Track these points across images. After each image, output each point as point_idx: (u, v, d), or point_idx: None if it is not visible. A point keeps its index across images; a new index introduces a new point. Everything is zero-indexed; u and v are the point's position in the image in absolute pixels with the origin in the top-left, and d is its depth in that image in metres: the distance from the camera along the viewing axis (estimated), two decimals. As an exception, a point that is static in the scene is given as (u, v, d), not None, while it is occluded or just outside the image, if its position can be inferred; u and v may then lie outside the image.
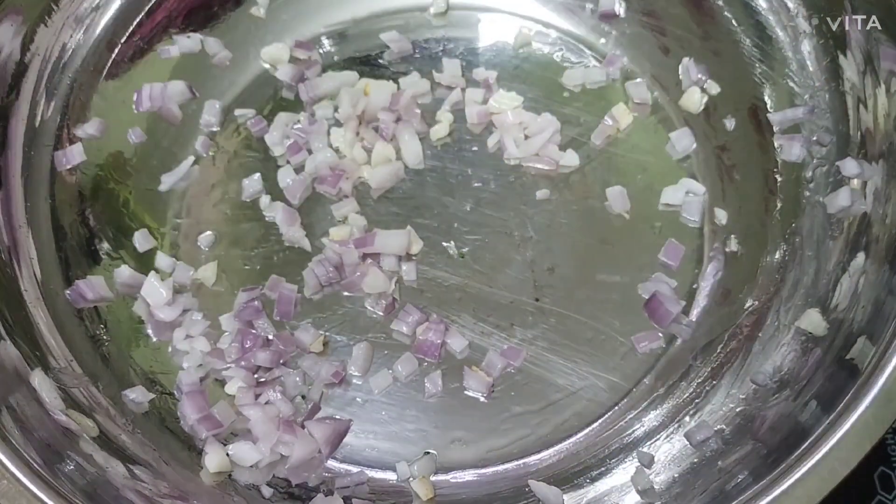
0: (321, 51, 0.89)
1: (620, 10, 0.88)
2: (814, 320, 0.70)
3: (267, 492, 0.69)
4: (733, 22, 0.86)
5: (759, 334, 0.73)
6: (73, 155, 0.81)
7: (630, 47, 0.88)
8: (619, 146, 0.84)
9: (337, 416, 0.73)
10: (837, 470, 0.54)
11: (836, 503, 0.54)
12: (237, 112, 0.86)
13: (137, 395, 0.73)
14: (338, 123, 0.85)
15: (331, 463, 0.72)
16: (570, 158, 0.83)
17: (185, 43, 0.88)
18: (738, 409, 0.69)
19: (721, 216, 0.79)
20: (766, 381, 0.70)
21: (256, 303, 0.76)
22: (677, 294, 0.76)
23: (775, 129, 0.81)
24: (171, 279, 0.78)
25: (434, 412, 0.73)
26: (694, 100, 0.84)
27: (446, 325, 0.76)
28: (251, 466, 0.70)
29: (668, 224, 0.80)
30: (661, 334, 0.75)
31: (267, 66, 0.89)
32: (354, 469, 0.71)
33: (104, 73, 0.85)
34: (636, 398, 0.73)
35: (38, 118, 0.80)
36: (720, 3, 0.86)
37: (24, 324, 0.72)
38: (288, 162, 0.83)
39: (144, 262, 0.79)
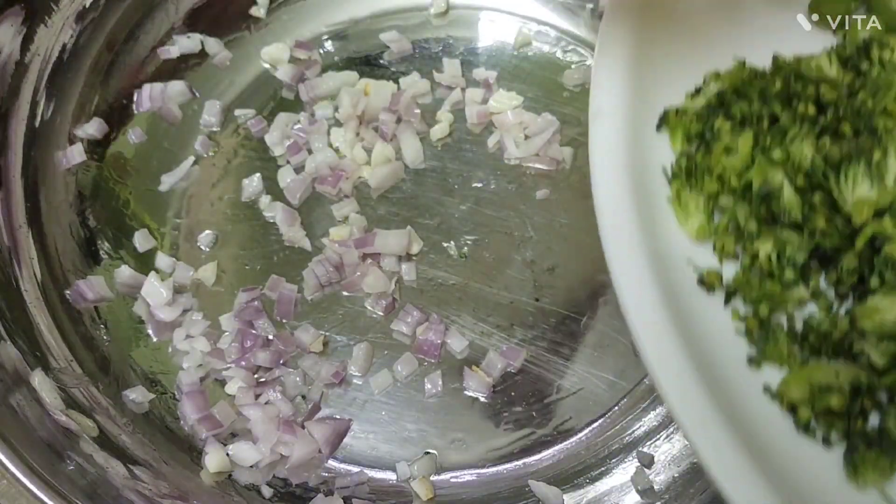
0: (321, 51, 0.90)
1: (620, 9, 0.88)
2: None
3: (267, 492, 0.69)
4: (733, 22, 0.86)
5: (759, 334, 0.73)
6: (73, 155, 0.81)
7: (630, 47, 0.88)
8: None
9: (337, 416, 0.73)
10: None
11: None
12: (237, 112, 0.86)
13: (137, 395, 0.73)
14: (338, 123, 0.85)
15: (331, 463, 0.72)
16: (570, 158, 0.83)
17: (185, 43, 0.88)
18: (738, 409, 0.70)
19: (721, 216, 0.79)
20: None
21: (256, 303, 0.76)
22: (677, 294, 0.76)
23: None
24: (171, 279, 0.78)
25: (434, 412, 0.73)
26: None
27: (446, 325, 0.76)
28: (251, 466, 0.70)
29: (668, 224, 0.80)
30: (661, 334, 0.75)
31: (267, 66, 0.89)
32: (354, 469, 0.71)
33: (104, 73, 0.85)
34: (636, 398, 0.74)
35: (38, 118, 0.80)
36: (720, 2, 0.86)
37: (24, 324, 0.72)
38: (288, 162, 0.83)
39: (144, 262, 0.79)
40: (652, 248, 0.48)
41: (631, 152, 0.51)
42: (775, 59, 0.56)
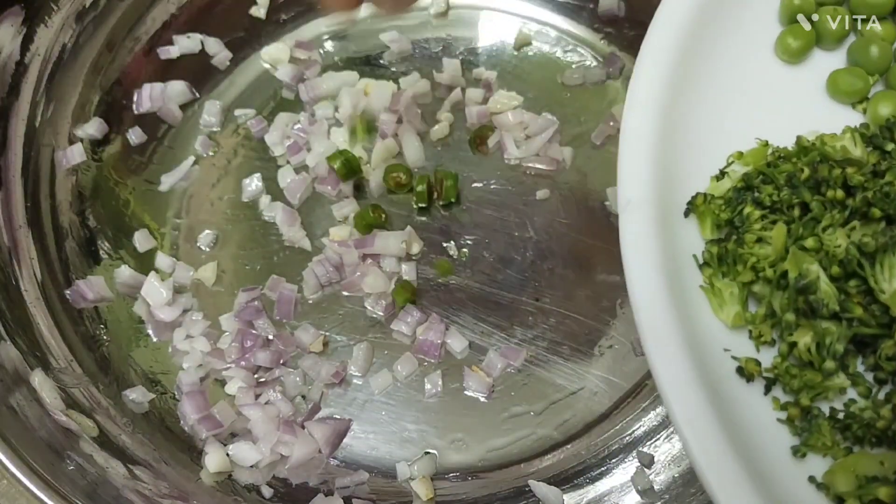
0: (321, 51, 0.89)
1: (620, 10, 0.88)
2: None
3: (267, 492, 0.69)
4: (733, 22, 0.86)
5: (760, 334, 0.73)
6: (73, 155, 0.81)
7: (630, 47, 0.87)
8: (619, 146, 0.83)
9: (337, 416, 0.73)
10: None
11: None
12: (237, 112, 0.86)
13: (137, 395, 0.73)
14: (338, 123, 0.85)
15: (331, 463, 0.72)
16: (570, 158, 0.83)
17: (185, 43, 0.88)
18: (738, 409, 0.69)
19: (721, 216, 0.79)
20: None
21: (256, 303, 0.76)
22: (677, 294, 0.76)
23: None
24: (171, 279, 0.78)
25: (434, 412, 0.73)
26: None
27: (446, 325, 0.76)
28: (251, 466, 0.70)
29: (669, 224, 0.80)
30: (661, 334, 0.75)
31: (267, 66, 0.89)
32: (354, 469, 0.71)
33: (104, 73, 0.85)
34: (636, 398, 0.74)
35: (38, 118, 0.80)
36: (720, 2, 0.86)
37: (24, 324, 0.72)
38: (288, 162, 0.83)
39: (144, 262, 0.79)
40: (689, 338, 0.47)
41: (662, 241, 0.50)
42: (799, 140, 0.55)
